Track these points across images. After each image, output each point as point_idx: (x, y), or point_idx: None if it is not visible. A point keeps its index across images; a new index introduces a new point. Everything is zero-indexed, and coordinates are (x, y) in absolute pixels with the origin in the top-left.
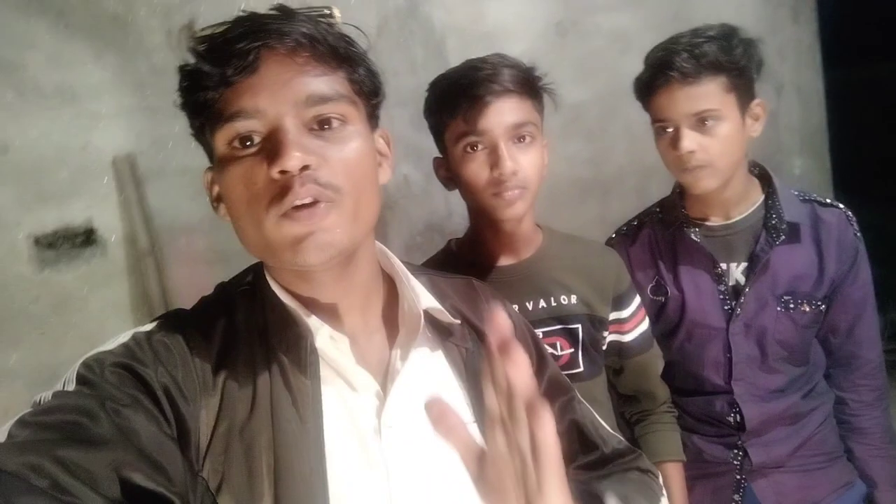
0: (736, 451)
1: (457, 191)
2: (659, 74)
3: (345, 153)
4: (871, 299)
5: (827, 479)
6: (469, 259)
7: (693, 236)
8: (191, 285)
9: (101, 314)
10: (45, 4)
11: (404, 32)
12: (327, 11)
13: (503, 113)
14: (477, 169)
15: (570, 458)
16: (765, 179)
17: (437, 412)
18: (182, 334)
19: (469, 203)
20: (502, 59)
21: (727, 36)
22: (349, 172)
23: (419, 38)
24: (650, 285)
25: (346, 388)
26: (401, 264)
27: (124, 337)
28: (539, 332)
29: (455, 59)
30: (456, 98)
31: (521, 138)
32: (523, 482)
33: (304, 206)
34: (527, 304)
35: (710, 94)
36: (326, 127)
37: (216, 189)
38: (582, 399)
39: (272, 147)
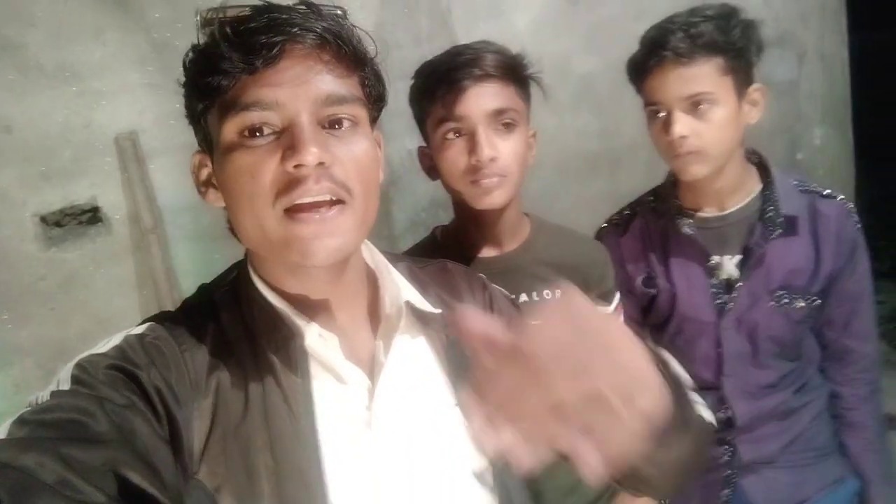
0: (726, 447)
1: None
2: (652, 54)
3: (356, 154)
4: (868, 292)
5: (817, 475)
6: (452, 249)
7: (685, 228)
8: (195, 262)
9: (108, 292)
10: None
11: (409, 3)
12: (339, 12)
13: (483, 98)
14: (455, 155)
15: None
16: (762, 169)
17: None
18: (173, 337)
19: (450, 192)
20: (486, 45)
21: (726, 16)
22: (360, 173)
23: (424, 9)
24: (641, 277)
25: (336, 382)
26: (382, 256)
27: (116, 339)
28: None
29: (461, 31)
30: (437, 84)
31: (502, 125)
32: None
33: (315, 205)
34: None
35: (704, 75)
36: (338, 127)
37: (205, 172)
38: None
39: (289, 141)
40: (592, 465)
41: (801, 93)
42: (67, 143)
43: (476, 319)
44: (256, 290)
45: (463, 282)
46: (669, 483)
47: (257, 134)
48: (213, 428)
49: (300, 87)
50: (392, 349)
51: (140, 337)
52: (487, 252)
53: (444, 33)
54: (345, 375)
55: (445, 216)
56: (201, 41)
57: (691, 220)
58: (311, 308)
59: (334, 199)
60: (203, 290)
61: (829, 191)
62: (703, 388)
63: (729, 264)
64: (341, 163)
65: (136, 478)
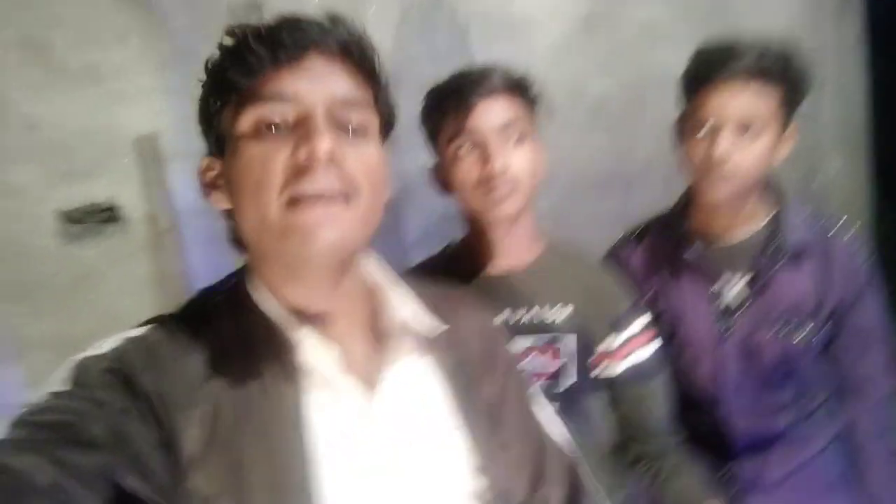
0: (724, 469)
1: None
2: (721, 67)
3: (366, 156)
4: (881, 329)
5: None
6: (464, 264)
7: (691, 252)
8: (208, 265)
9: (121, 289)
10: None
11: (428, 20)
12: (362, 29)
13: (491, 112)
14: (468, 168)
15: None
16: (777, 194)
17: None
18: (171, 342)
19: (463, 207)
20: (493, 66)
21: (792, 49)
22: (369, 174)
23: (442, 27)
24: (647, 295)
25: (333, 394)
26: (389, 272)
27: (115, 341)
28: (529, 341)
29: (479, 49)
30: (447, 101)
31: (511, 138)
32: None
33: (321, 197)
34: (517, 313)
35: (766, 101)
36: (351, 132)
37: (210, 175)
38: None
39: (302, 132)
40: None
41: (818, 123)
42: (89, 142)
43: None
44: (255, 297)
45: (469, 307)
46: None
47: (272, 129)
48: (207, 435)
49: (319, 82)
50: (395, 365)
51: (137, 340)
52: (498, 269)
53: (461, 52)
54: (341, 388)
55: (456, 228)
56: (227, 41)
57: (699, 244)
58: (310, 318)
59: (341, 192)
60: (203, 294)
61: (841, 223)
62: (702, 410)
63: (734, 289)
64: (352, 160)
65: (129, 483)
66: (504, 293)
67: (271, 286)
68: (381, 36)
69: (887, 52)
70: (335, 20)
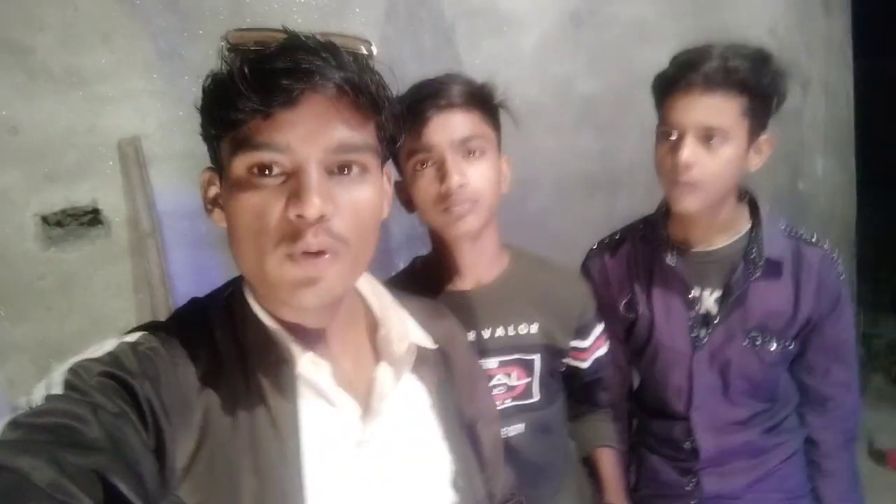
0: (690, 477)
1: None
2: (683, 75)
3: (358, 203)
4: (850, 343)
5: None
6: (430, 280)
7: (668, 260)
8: (191, 268)
9: (105, 293)
10: None
11: (413, 20)
12: (365, 50)
13: (448, 127)
14: (426, 185)
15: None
16: (753, 208)
17: None
18: (166, 349)
19: (426, 223)
20: (451, 77)
21: (763, 59)
22: (358, 223)
23: (428, 27)
24: (623, 301)
25: (326, 406)
26: (385, 291)
27: (110, 345)
28: (495, 360)
29: (464, 48)
30: (404, 117)
31: (470, 152)
32: None
33: (311, 254)
34: (483, 332)
35: (726, 110)
36: (346, 171)
37: (213, 191)
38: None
39: (295, 187)
40: None
41: (804, 122)
42: (71, 145)
43: None
44: (251, 310)
45: (446, 319)
46: None
47: (266, 172)
48: (199, 445)
49: (312, 134)
50: (388, 381)
51: (134, 346)
52: (464, 284)
53: (447, 51)
54: (336, 400)
55: None
56: (223, 68)
57: (676, 253)
58: (306, 335)
59: (331, 249)
60: (196, 304)
61: (815, 238)
62: (673, 418)
63: (709, 299)
64: (342, 213)
65: (122, 486)
66: (469, 311)
67: (267, 305)
68: (366, 35)
69: (873, 49)
70: (333, 51)
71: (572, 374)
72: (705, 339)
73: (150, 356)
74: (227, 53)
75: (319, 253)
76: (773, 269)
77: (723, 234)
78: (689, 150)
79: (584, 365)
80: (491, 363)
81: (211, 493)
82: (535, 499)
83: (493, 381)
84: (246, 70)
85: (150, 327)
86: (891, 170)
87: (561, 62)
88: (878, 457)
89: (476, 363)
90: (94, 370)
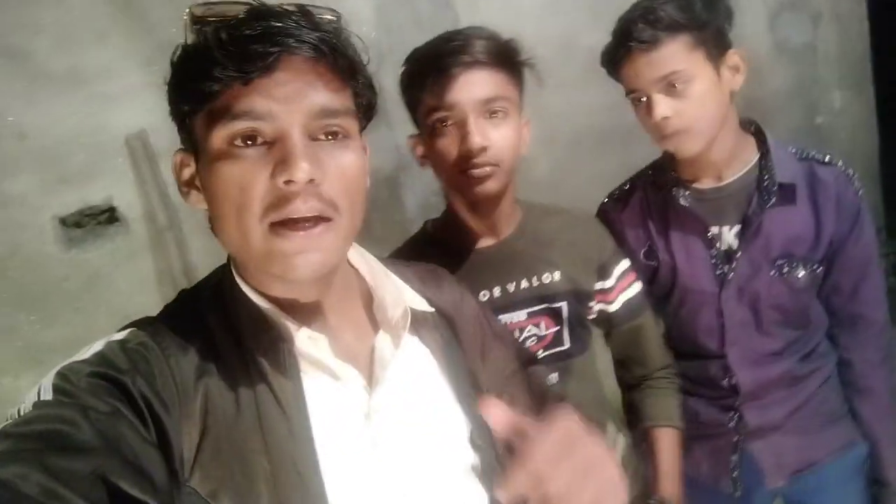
0: (732, 413)
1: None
2: (620, 46)
3: (344, 167)
4: (874, 259)
5: (826, 440)
6: (445, 241)
7: (682, 200)
8: (212, 257)
9: (129, 289)
10: None
11: None
12: (334, 18)
13: (472, 86)
14: (446, 145)
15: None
16: (760, 138)
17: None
18: (156, 342)
19: (442, 182)
20: (477, 30)
21: None
22: (347, 189)
23: None
24: (643, 250)
25: (331, 380)
26: (375, 260)
27: (98, 346)
28: (523, 312)
29: (463, 12)
30: (426, 71)
31: (493, 113)
32: None
33: (301, 222)
34: (508, 285)
35: (671, 56)
36: (330, 138)
37: (187, 173)
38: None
39: (280, 155)
40: None
41: (818, 56)
42: (80, 145)
43: (496, 409)
44: (242, 293)
45: (447, 283)
46: None
47: (248, 142)
48: (204, 433)
49: (294, 99)
50: (389, 349)
51: (122, 343)
52: (482, 242)
53: (446, 15)
54: (339, 373)
55: None
56: (190, 40)
57: (689, 192)
58: (301, 311)
59: (322, 215)
60: (185, 294)
61: (828, 157)
62: (707, 357)
63: (728, 235)
64: (330, 178)
65: (126, 485)
66: (491, 268)
67: (257, 284)
68: (364, 5)
69: None
70: (304, 16)
71: (608, 325)
72: (731, 276)
73: (141, 351)
74: (192, 26)
75: (313, 222)
76: (787, 194)
77: (732, 167)
78: (661, 107)
79: (613, 308)
80: (520, 315)
81: (222, 480)
82: None
83: (525, 334)
84: (220, 36)
85: (139, 323)
86: None
87: (563, 17)
88: None
89: (489, 324)
90: (82, 372)
